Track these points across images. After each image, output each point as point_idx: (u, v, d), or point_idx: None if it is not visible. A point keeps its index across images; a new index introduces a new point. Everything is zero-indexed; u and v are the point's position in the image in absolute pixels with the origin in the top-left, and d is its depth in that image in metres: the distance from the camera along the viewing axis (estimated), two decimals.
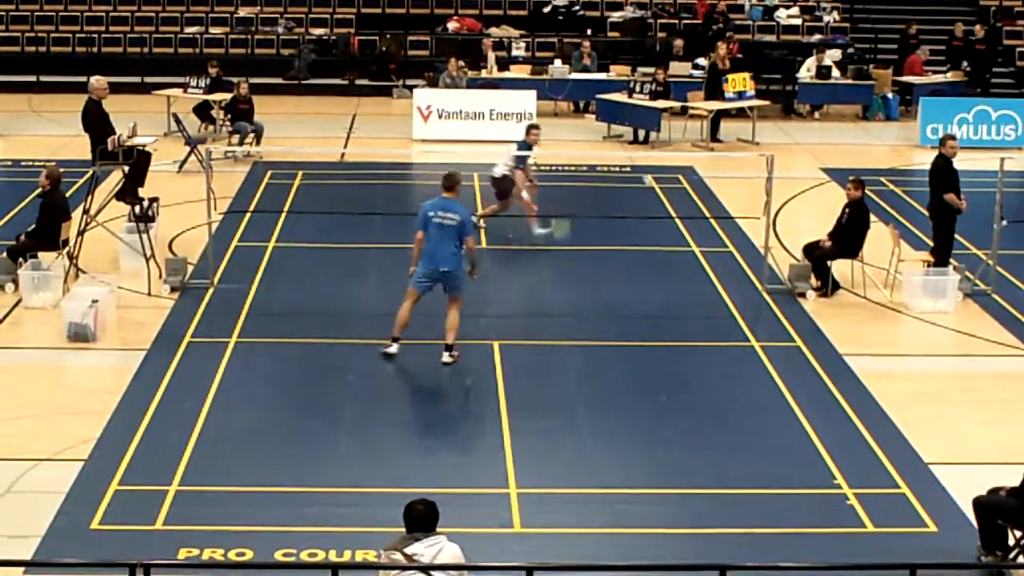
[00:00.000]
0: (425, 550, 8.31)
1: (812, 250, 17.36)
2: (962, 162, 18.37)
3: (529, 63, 30.11)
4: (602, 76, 29.07)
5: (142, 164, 18.71)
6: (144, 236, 17.17)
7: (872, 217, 17.61)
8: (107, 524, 11.12)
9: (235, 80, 25.34)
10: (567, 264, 18.48)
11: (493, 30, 32.18)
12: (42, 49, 31.53)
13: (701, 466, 12.50)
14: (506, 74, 29.22)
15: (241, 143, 24.27)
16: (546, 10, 33.37)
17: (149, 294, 16.68)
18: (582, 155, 24.66)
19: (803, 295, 16.99)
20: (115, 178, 19.00)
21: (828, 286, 17.09)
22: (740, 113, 27.30)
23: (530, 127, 19.61)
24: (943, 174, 17.32)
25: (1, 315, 15.99)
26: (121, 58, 31.15)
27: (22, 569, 10.21)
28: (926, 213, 17.96)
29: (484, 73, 28.91)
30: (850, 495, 11.88)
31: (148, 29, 32.15)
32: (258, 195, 21.66)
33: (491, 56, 29.47)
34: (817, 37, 32.15)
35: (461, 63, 28.00)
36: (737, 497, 11.90)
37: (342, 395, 13.96)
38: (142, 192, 18.47)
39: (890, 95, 29.42)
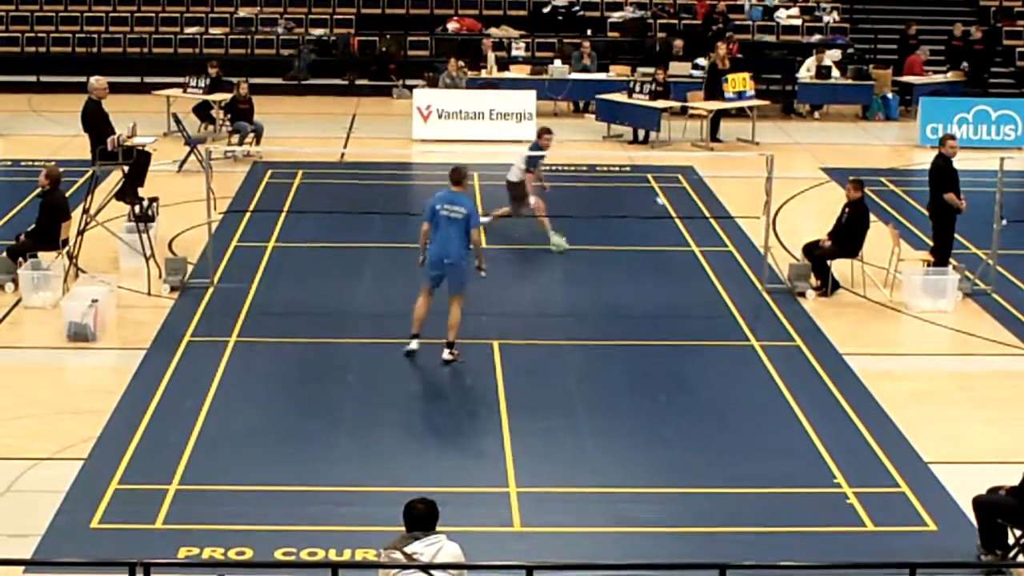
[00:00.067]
0: (425, 549, 8.31)
1: (812, 250, 17.36)
2: (962, 162, 18.37)
3: (529, 63, 30.11)
4: (602, 76, 29.07)
5: (142, 164, 18.72)
6: (144, 236, 17.18)
7: (872, 217, 17.62)
8: (107, 523, 11.12)
9: (235, 80, 25.34)
10: (567, 264, 18.47)
11: (493, 30, 32.18)
12: (42, 49, 31.52)
13: (701, 465, 12.50)
14: (506, 74, 29.22)
15: (241, 143, 24.27)
16: (546, 10, 33.37)
17: (149, 294, 16.68)
18: (582, 155, 24.66)
19: (803, 295, 16.99)
20: (115, 178, 19.00)
21: (828, 286, 17.09)
22: (740, 113, 27.30)
23: (542, 131, 19.31)
24: (943, 174, 17.32)
25: (1, 315, 15.99)
26: (121, 58, 31.14)
27: (22, 568, 10.21)
28: (926, 213, 17.96)
29: (484, 73, 28.91)
30: (850, 494, 11.88)
31: (148, 29, 32.16)
32: (258, 195, 21.66)
33: (491, 56, 29.47)
34: (817, 37, 32.16)
35: (461, 63, 28.00)
36: (737, 496, 11.91)
37: (342, 395, 13.95)
38: (142, 192, 18.47)
39: (890, 95, 29.43)
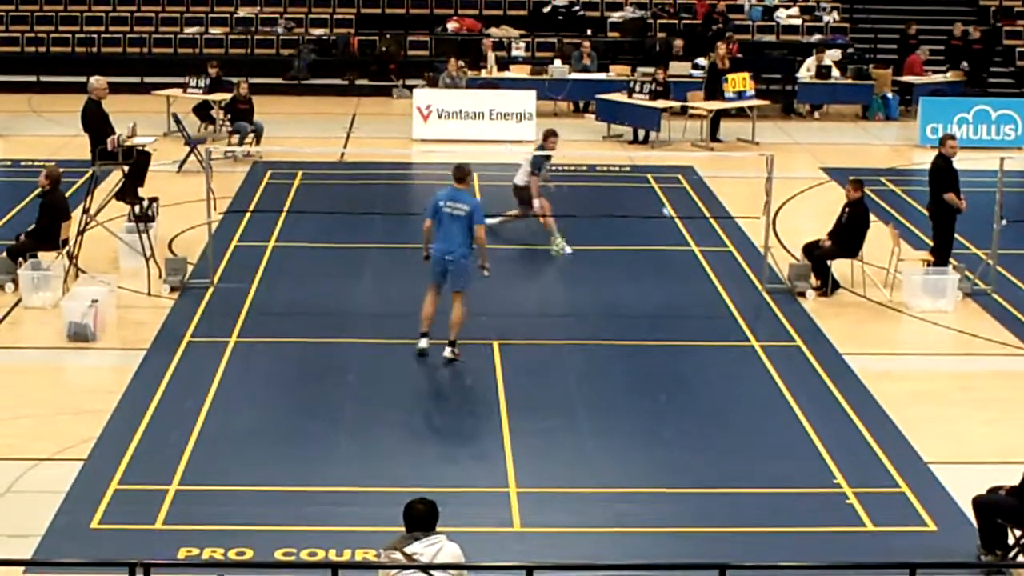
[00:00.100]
0: (425, 549, 8.31)
1: (812, 250, 17.36)
2: (962, 162, 18.37)
3: (529, 63, 30.10)
4: (602, 76, 29.07)
5: (142, 164, 18.71)
6: (144, 236, 17.18)
7: (872, 217, 17.62)
8: (107, 523, 11.12)
9: (235, 80, 25.34)
10: (567, 264, 18.47)
11: (493, 30, 32.18)
12: (42, 49, 31.52)
13: (701, 465, 12.50)
14: (506, 74, 29.22)
15: (241, 143, 24.27)
16: (546, 10, 33.37)
17: (149, 294, 16.68)
18: (582, 155, 24.66)
19: (803, 295, 16.99)
20: (115, 178, 19.00)
21: (828, 286, 17.09)
22: (740, 113, 27.30)
23: (548, 134, 19.18)
24: (943, 174, 17.32)
25: (1, 315, 15.99)
26: (121, 58, 31.15)
27: (22, 568, 10.21)
28: (926, 213, 17.96)
29: (484, 73, 28.91)
30: (850, 494, 11.88)
31: (148, 29, 32.15)
32: (258, 195, 21.66)
33: (491, 56, 29.47)
34: (817, 37, 32.15)
35: (461, 63, 28.00)
36: (737, 496, 11.91)
37: (342, 395, 13.95)
38: (142, 192, 18.47)
39: (890, 95, 29.43)
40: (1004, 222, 17.34)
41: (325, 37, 32.28)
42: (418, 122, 26.36)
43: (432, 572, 8.25)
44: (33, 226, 17.06)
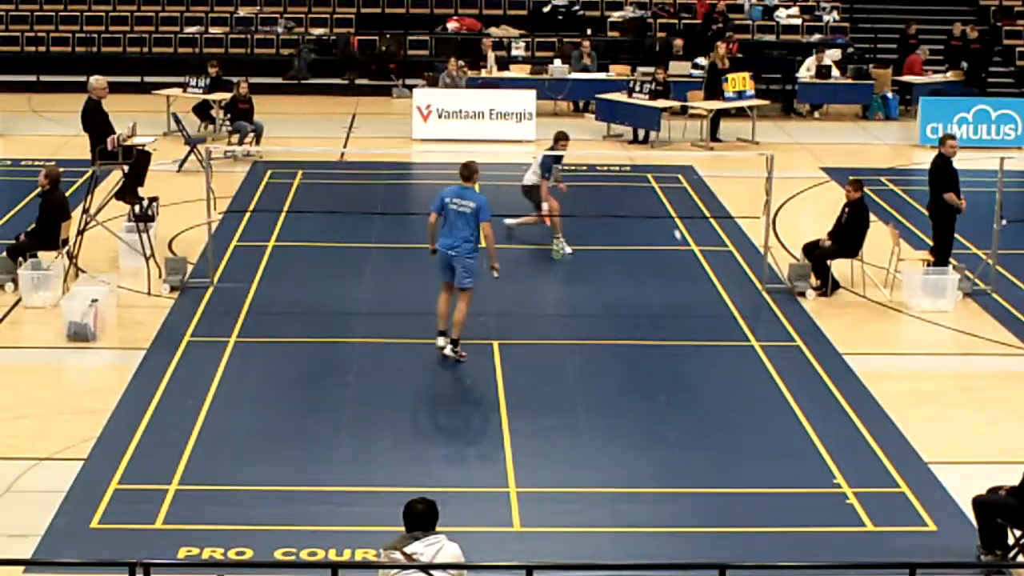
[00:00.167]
0: (425, 549, 8.31)
1: (812, 249, 17.37)
2: (962, 162, 18.37)
3: (529, 63, 30.10)
4: (602, 76, 29.06)
5: (142, 164, 18.71)
6: (144, 235, 17.18)
7: (872, 216, 17.62)
8: (107, 523, 11.12)
9: (235, 80, 25.33)
10: (567, 264, 18.47)
11: (493, 30, 32.18)
12: (42, 49, 31.53)
13: (701, 465, 12.50)
14: (506, 74, 29.22)
15: (241, 143, 24.26)
16: (546, 10, 33.37)
17: (149, 293, 16.68)
18: (582, 155, 24.65)
19: (803, 294, 16.99)
20: (115, 178, 19.01)
21: (828, 285, 17.09)
22: (740, 113, 27.29)
23: (559, 136, 18.99)
24: (943, 173, 17.32)
25: (1, 314, 15.99)
26: (121, 58, 31.14)
27: (22, 568, 10.22)
28: (926, 212, 17.96)
29: (484, 73, 28.91)
30: (850, 494, 11.88)
31: (148, 29, 32.15)
32: (258, 194, 21.66)
33: (491, 56, 29.47)
34: (817, 37, 32.15)
35: (461, 63, 28.00)
36: (737, 496, 11.91)
37: (342, 395, 13.95)
38: (142, 192, 18.48)
39: (890, 95, 29.43)
40: (1004, 222, 17.34)
41: (325, 37, 32.28)
42: (418, 122, 26.36)
43: (432, 572, 8.25)
44: (33, 226, 17.06)
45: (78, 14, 32.28)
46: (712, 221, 20.21)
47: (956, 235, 17.56)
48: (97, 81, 19.01)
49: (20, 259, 16.60)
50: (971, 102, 26.92)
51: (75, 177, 20.35)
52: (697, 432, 13.24)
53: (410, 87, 28.92)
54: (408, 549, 8.31)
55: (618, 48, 32.20)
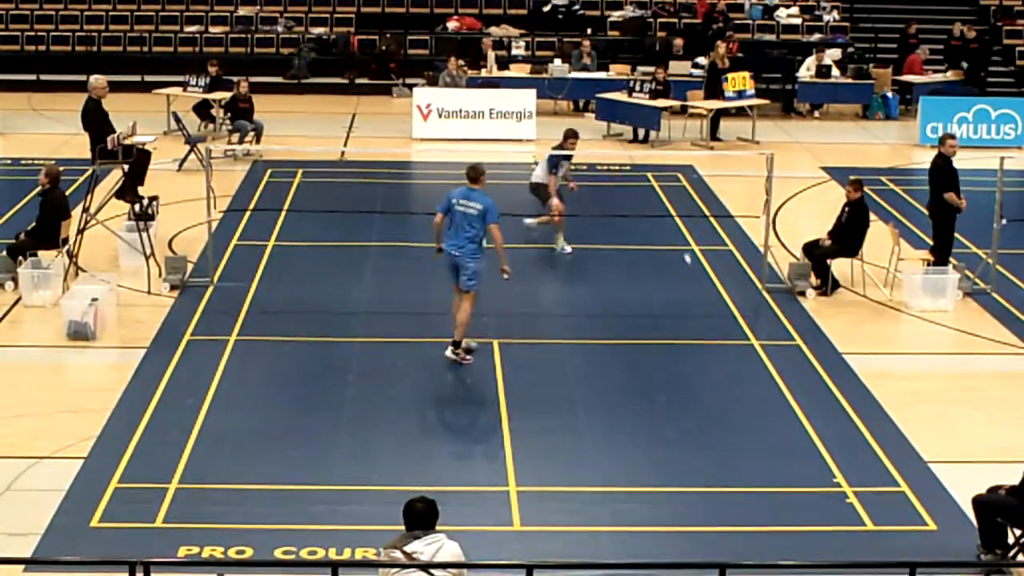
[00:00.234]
0: (425, 548, 8.31)
1: (812, 249, 17.37)
2: (962, 161, 18.37)
3: (529, 62, 30.10)
4: (602, 75, 29.06)
5: (142, 163, 18.72)
6: (144, 234, 17.18)
7: (872, 216, 17.62)
8: (107, 522, 11.13)
9: (235, 79, 25.32)
10: (567, 264, 18.47)
11: (493, 29, 32.18)
12: (42, 48, 31.52)
13: (701, 465, 12.50)
14: (506, 73, 29.22)
15: (241, 142, 24.26)
16: (546, 9, 33.36)
17: (149, 292, 16.68)
18: (582, 154, 24.60)
19: (803, 294, 16.99)
20: (115, 177, 19.00)
21: (828, 285, 17.09)
22: (740, 112, 27.29)
23: (568, 134, 18.87)
24: (943, 173, 17.32)
25: (1, 313, 15.99)
26: (121, 57, 31.12)
27: (22, 567, 10.22)
28: (926, 212, 17.96)
29: (484, 72, 28.91)
30: (850, 493, 11.88)
31: (148, 28, 32.14)
32: (258, 194, 21.66)
33: (491, 55, 29.47)
34: (817, 36, 32.14)
35: (461, 62, 28.01)
36: (737, 496, 11.91)
37: (342, 394, 13.95)
38: (142, 191, 18.48)
39: (890, 94, 29.43)
40: (1004, 221, 17.34)
41: (325, 36, 32.28)
42: (418, 121, 26.35)
43: (432, 571, 8.25)
44: (33, 224, 17.06)
45: (78, 13, 32.27)
46: (712, 220, 20.20)
47: (956, 234, 17.56)
48: (97, 80, 19.00)
49: (20, 258, 16.59)
50: (971, 102, 26.92)
51: (75, 176, 20.35)
52: (697, 431, 13.24)
53: (410, 86, 28.92)
54: (408, 548, 8.31)
55: (618, 47, 32.20)
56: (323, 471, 12.15)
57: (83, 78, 20.61)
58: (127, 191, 18.21)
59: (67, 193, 18.02)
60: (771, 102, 28.48)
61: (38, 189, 17.36)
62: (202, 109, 26.13)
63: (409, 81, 29.97)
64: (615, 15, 32.90)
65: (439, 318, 14.92)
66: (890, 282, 17.29)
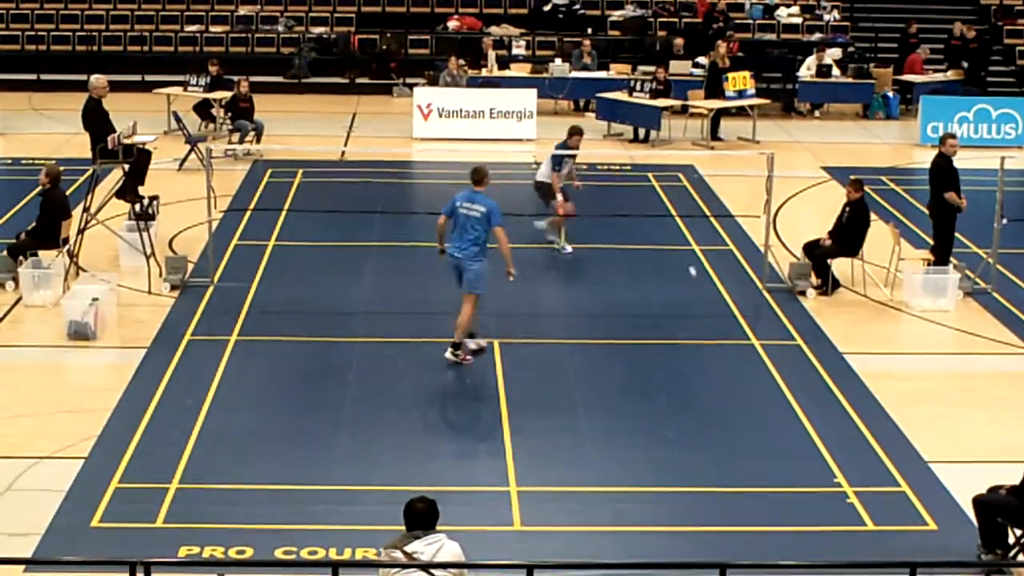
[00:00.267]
0: (425, 548, 8.31)
1: (812, 248, 17.36)
2: (962, 161, 18.37)
3: (529, 62, 30.12)
4: (602, 75, 29.07)
5: (142, 162, 18.72)
6: (144, 234, 17.18)
7: (872, 215, 17.62)
8: (107, 522, 11.13)
9: (235, 78, 25.33)
10: (568, 263, 18.47)
11: (493, 29, 32.18)
12: (42, 47, 31.53)
13: (701, 464, 12.50)
14: (506, 73, 29.22)
15: (241, 141, 24.26)
16: (546, 9, 33.36)
17: (149, 292, 16.68)
18: (583, 154, 24.56)
19: (803, 293, 16.99)
20: (115, 176, 19.00)
21: (828, 284, 17.09)
22: (740, 112, 27.29)
23: (572, 132, 18.79)
24: (943, 173, 17.32)
25: (1, 313, 15.99)
26: (121, 56, 31.13)
27: (22, 567, 10.22)
28: (926, 212, 17.96)
29: (484, 72, 28.91)
30: (850, 493, 11.88)
31: (148, 27, 32.15)
32: (258, 193, 21.66)
33: (491, 55, 29.47)
34: (817, 36, 32.14)
35: (461, 62, 28.01)
36: (737, 496, 11.91)
37: (342, 394, 13.95)
38: (142, 190, 18.48)
39: (890, 94, 29.43)
40: (1004, 221, 17.34)
41: (326, 35, 32.28)
42: (418, 121, 26.35)
43: (432, 571, 8.25)
44: (33, 224, 17.06)
45: (79, 13, 32.28)
46: (713, 220, 20.20)
47: (957, 234, 17.56)
48: (98, 80, 19.01)
49: (21, 258, 16.60)
50: (971, 101, 26.92)
51: (76, 176, 20.35)
52: (697, 431, 13.24)
53: (410, 86, 28.93)
54: (408, 548, 8.30)
55: (619, 47, 32.21)
56: (323, 471, 12.15)
57: (83, 78, 20.61)
58: (127, 191, 18.21)
59: (67, 193, 18.03)
60: (772, 102, 28.48)
61: (38, 189, 17.37)
62: (202, 109, 26.13)
63: (409, 81, 29.98)
64: (615, 15, 32.90)
65: (439, 318, 14.91)
66: (891, 282, 17.29)
